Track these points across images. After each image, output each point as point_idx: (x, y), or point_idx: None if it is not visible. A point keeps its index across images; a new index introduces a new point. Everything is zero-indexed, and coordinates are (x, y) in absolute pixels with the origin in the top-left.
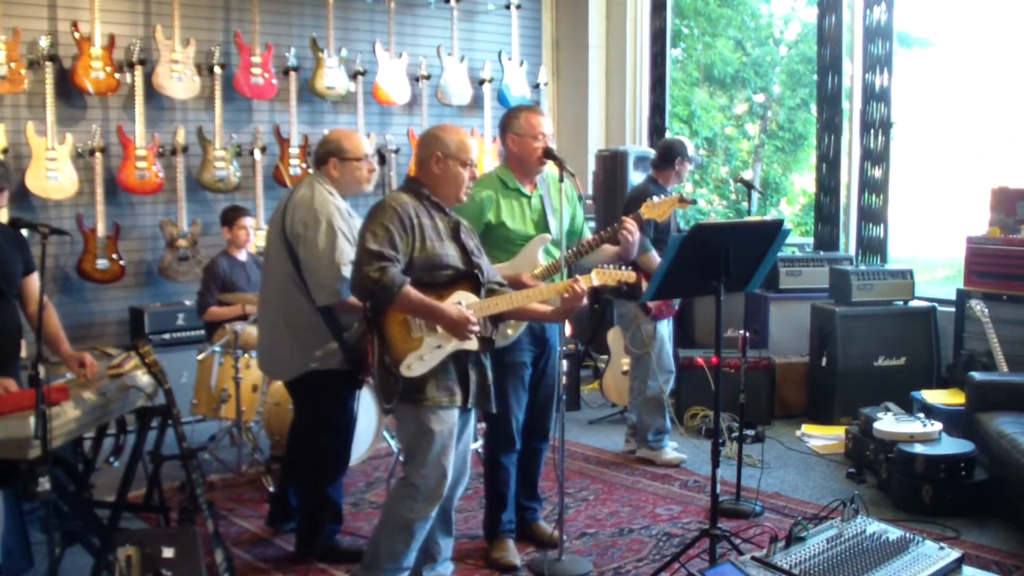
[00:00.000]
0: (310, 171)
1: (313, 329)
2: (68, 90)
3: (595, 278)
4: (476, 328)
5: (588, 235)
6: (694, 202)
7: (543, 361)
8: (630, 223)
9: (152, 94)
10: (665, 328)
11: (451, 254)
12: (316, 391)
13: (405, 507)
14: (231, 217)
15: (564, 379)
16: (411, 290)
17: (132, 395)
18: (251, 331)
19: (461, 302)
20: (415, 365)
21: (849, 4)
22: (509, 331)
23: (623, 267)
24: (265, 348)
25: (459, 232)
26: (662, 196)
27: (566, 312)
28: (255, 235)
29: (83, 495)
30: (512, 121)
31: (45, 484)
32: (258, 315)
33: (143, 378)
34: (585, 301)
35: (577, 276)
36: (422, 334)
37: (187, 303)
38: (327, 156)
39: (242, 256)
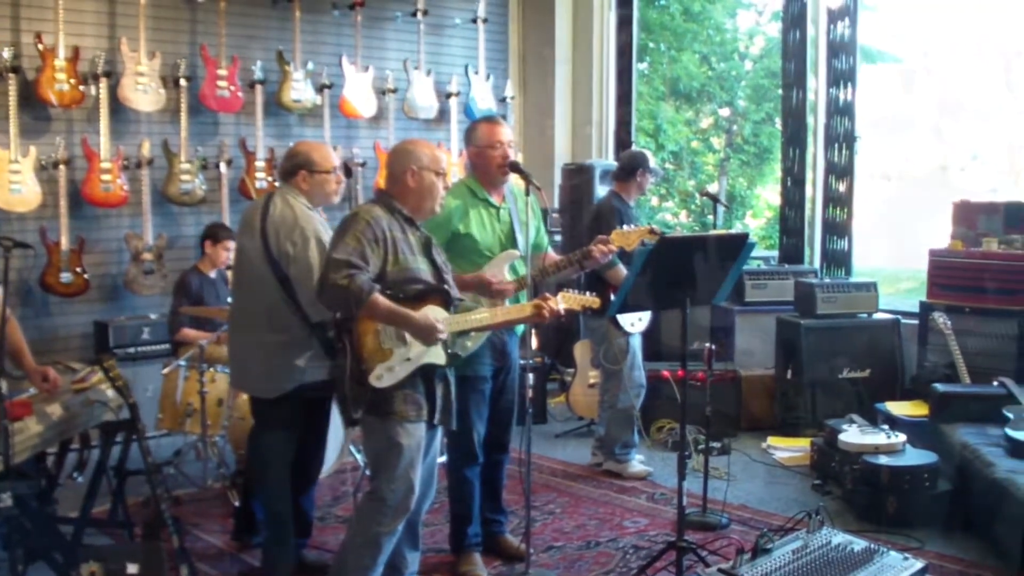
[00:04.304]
0: (276, 184)
1: (302, 344)
2: (32, 102)
3: (561, 302)
4: (444, 335)
5: (550, 249)
6: (663, 234)
7: (503, 375)
8: (604, 247)
9: (117, 107)
10: (637, 342)
11: (423, 268)
12: (303, 404)
13: (373, 521)
14: (220, 236)
15: (531, 392)
16: (379, 297)
17: (96, 409)
18: (216, 345)
19: (430, 316)
20: (385, 376)
21: (813, 19)
22: (468, 343)
23: (589, 292)
24: (248, 366)
25: (430, 247)
26: (632, 224)
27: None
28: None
29: (46, 511)
30: (471, 133)
31: (7, 500)
32: (233, 332)
33: (107, 392)
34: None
35: (547, 294)
36: (392, 345)
37: (152, 317)
38: (296, 169)
39: (212, 273)
